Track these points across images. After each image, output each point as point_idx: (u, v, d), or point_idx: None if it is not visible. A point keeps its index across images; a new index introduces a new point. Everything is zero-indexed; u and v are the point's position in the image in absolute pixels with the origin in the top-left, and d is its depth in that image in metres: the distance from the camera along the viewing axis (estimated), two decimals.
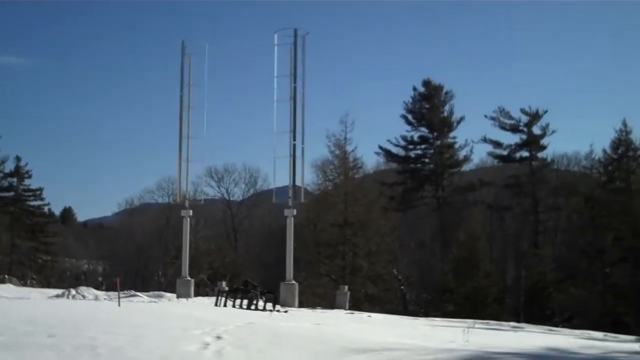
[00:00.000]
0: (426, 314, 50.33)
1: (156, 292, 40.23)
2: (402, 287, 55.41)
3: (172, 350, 12.91)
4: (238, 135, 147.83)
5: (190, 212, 40.88)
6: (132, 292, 37.68)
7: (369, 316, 32.81)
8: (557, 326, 42.21)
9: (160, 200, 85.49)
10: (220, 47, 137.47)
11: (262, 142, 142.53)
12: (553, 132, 74.79)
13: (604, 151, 55.79)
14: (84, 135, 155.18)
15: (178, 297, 37.67)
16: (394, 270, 55.23)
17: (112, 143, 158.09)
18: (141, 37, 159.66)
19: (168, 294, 39.40)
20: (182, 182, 41.40)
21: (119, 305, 25.36)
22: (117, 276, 42.13)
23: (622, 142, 54.05)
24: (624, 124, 53.96)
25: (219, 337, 14.51)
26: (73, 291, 36.08)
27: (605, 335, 31.08)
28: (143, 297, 35.65)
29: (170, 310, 24.46)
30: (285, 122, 38.82)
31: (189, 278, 39.70)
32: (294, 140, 38.29)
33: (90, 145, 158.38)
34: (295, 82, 38.82)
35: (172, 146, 40.71)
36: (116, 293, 30.42)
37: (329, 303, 42.50)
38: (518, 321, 44.52)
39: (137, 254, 76.81)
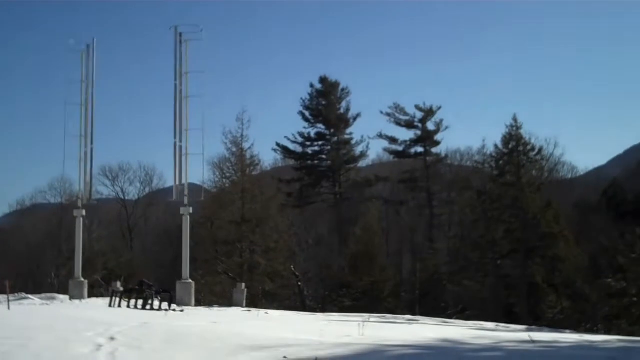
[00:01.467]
0: (324, 309, 50.68)
1: (48, 294, 39.27)
2: (299, 284, 55.55)
3: (63, 353, 12.61)
4: (133, 133, 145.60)
5: (83, 212, 40.02)
6: (23, 294, 36.70)
7: (266, 313, 32.79)
8: (451, 318, 43.12)
9: (52, 201, 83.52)
10: (115, 42, 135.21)
11: (157, 140, 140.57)
12: (446, 127, 76.70)
13: (496, 146, 56.99)
14: None
15: (71, 298, 36.86)
16: (292, 266, 55.33)
17: (0, 141, 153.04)
18: (28, 32, 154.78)
19: (61, 296, 38.51)
20: (74, 182, 40.51)
21: (9, 308, 24.69)
22: (7, 279, 40.90)
23: (512, 137, 55.24)
24: (514, 120, 55.25)
25: (112, 338, 14.25)
26: None
27: (497, 325, 31.90)
28: (35, 300, 34.78)
29: (62, 312, 23.91)
30: (183, 120, 38.41)
31: (82, 279, 38.88)
32: (180, 141, 37.95)
33: None
34: (176, 79, 38.42)
35: (65, 145, 39.60)
36: (6, 296, 29.58)
37: (227, 301, 42.33)
38: (413, 314, 45.30)
39: (28, 256, 74.71)
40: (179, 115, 38.35)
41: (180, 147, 38.04)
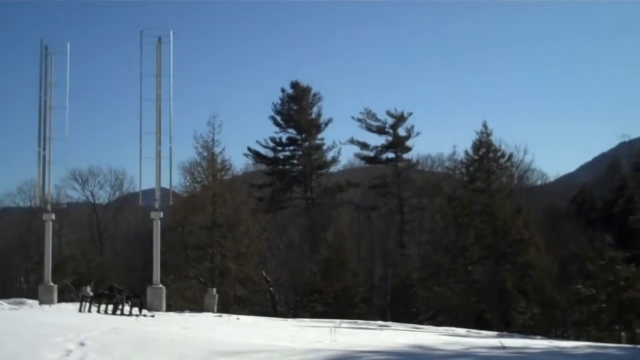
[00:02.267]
0: (295, 314, 50.60)
1: (17, 299, 38.91)
2: (271, 289, 55.45)
3: (32, 358, 12.46)
4: (103, 137, 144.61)
5: (53, 216, 39.62)
6: None
7: (238, 318, 32.70)
8: (422, 324, 43.25)
9: (22, 204, 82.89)
10: (83, 45, 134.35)
11: (127, 144, 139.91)
12: (418, 133, 76.97)
13: (466, 152, 57.27)
14: None
15: (40, 303, 36.49)
16: (263, 271, 55.25)
17: None
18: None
19: (30, 301, 38.15)
20: (44, 185, 40.02)
21: None
22: None
23: (482, 143, 55.50)
24: (485, 126, 55.53)
25: (82, 344, 14.09)
26: None
27: (468, 331, 32.05)
28: (3, 304, 34.42)
29: (31, 317, 23.66)
30: (151, 123, 38.14)
31: (52, 284, 38.49)
32: (160, 142, 37.62)
33: None
34: (142, 82, 38.11)
35: (34, 148, 39.18)
36: None
37: (198, 306, 42.16)
38: (385, 320, 45.37)
39: None
40: (148, 119, 38.13)
41: (159, 151, 37.80)
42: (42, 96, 38.95)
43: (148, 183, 40.37)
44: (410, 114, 76.58)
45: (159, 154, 37.95)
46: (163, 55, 38.59)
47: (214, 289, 41.36)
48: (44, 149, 38.80)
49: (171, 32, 38.64)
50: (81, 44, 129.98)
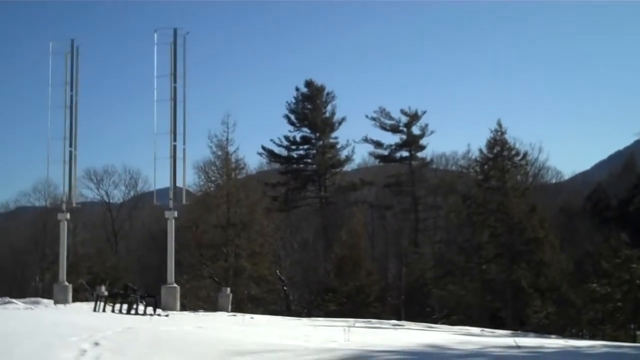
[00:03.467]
0: (309, 314, 50.55)
1: (32, 299, 39.06)
2: (285, 288, 55.49)
3: (47, 358, 12.50)
4: (118, 136, 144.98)
5: (68, 216, 39.73)
6: (7, 298, 36.46)
7: (252, 318, 32.65)
8: (436, 323, 43.08)
9: (36, 204, 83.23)
10: (97, 45, 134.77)
11: (142, 143, 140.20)
12: (432, 132, 76.80)
13: (480, 151, 57.04)
14: None
15: (55, 303, 36.59)
16: (277, 270, 55.27)
17: None
18: (10, 33, 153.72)
19: (45, 300, 38.28)
20: (59, 185, 40.14)
21: None
22: None
23: (497, 142, 55.25)
24: (499, 125, 55.25)
25: (97, 344, 14.11)
26: None
27: (482, 330, 31.89)
28: (18, 304, 34.55)
29: (46, 316, 23.72)
30: (166, 122, 38.13)
31: (67, 283, 38.58)
32: (174, 141, 37.57)
33: None
34: (175, 82, 38.10)
35: (48, 148, 39.27)
36: None
37: (213, 305, 42.18)
38: (399, 319, 45.25)
39: (12, 259, 74.36)
40: (162, 118, 38.17)
41: (176, 147, 37.80)
42: (66, 96, 39.13)
43: (162, 182, 40.48)
44: (425, 112, 76.61)
45: (183, 153, 37.92)
46: (177, 54, 38.62)
47: (228, 288, 41.31)
48: (71, 146, 38.98)
49: (175, 31, 38.54)
50: (96, 43, 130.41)
